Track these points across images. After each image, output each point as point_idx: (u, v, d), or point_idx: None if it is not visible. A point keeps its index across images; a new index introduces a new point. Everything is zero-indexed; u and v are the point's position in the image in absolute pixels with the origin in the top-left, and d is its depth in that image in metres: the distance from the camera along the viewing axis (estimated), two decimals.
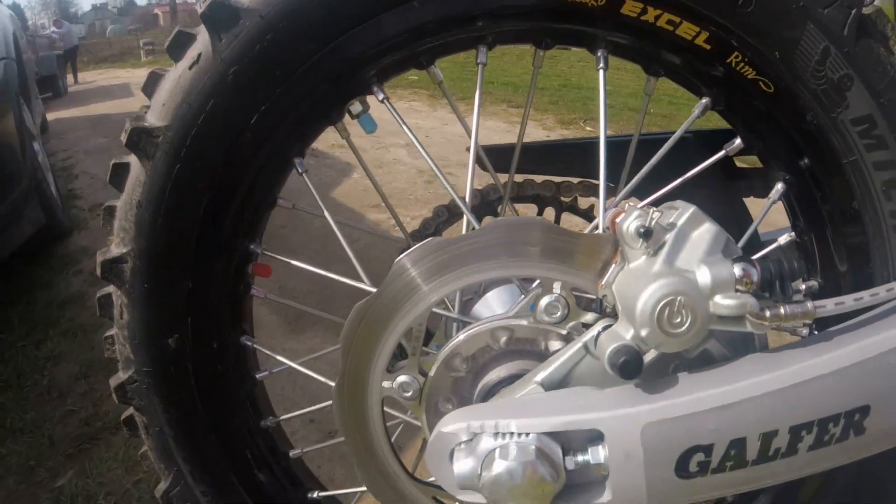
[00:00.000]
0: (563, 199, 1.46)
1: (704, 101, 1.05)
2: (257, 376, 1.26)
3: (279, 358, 1.23)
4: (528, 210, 1.45)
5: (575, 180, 1.43)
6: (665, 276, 0.85)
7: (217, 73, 0.96)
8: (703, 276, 0.85)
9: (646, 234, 0.86)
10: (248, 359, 1.24)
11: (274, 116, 1.00)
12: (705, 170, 1.09)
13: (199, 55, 0.96)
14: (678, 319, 0.84)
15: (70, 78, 21.33)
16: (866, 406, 0.86)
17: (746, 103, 1.04)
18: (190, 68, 0.97)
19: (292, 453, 1.31)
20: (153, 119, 0.99)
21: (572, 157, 1.37)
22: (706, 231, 0.88)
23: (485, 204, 1.42)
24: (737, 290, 0.84)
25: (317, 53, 0.97)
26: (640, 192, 1.13)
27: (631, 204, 0.95)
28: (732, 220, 1.32)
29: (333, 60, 0.98)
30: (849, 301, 0.86)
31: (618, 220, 0.88)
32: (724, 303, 0.84)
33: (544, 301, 0.95)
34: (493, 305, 1.25)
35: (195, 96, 0.97)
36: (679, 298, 0.84)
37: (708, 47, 0.99)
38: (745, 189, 1.35)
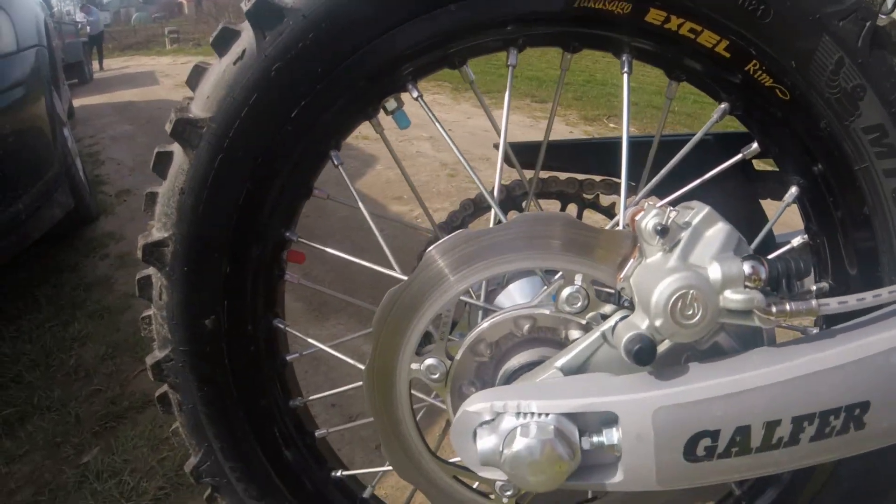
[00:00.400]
0: (585, 196, 1.51)
1: (723, 106, 1.09)
2: (287, 358, 1.31)
3: (310, 340, 1.28)
4: (551, 206, 1.49)
5: (597, 178, 1.47)
6: (679, 271, 0.90)
7: (261, 68, 1.01)
8: (715, 271, 0.90)
9: (662, 231, 0.91)
10: (279, 341, 1.29)
11: (313, 111, 1.06)
12: (724, 171, 1.12)
13: (244, 51, 1.01)
14: (690, 311, 0.89)
15: (95, 65, 21.42)
16: (866, 402, 0.90)
17: (763, 109, 1.07)
18: (234, 63, 1.02)
19: (318, 433, 1.37)
20: (197, 110, 1.05)
21: (595, 155, 1.41)
22: (719, 230, 0.92)
23: (510, 199, 1.47)
24: (745, 287, 0.88)
25: (357, 52, 1.02)
26: (660, 192, 1.16)
27: (650, 203, 1.00)
28: (748, 221, 1.35)
29: (372, 59, 1.03)
30: (852, 301, 0.89)
31: (637, 217, 0.93)
32: (733, 297, 0.88)
33: (566, 292, 1.00)
34: (516, 295, 1.29)
35: (239, 90, 1.02)
36: (691, 292, 0.88)
37: (727, 55, 1.03)
38: (762, 191, 1.39)
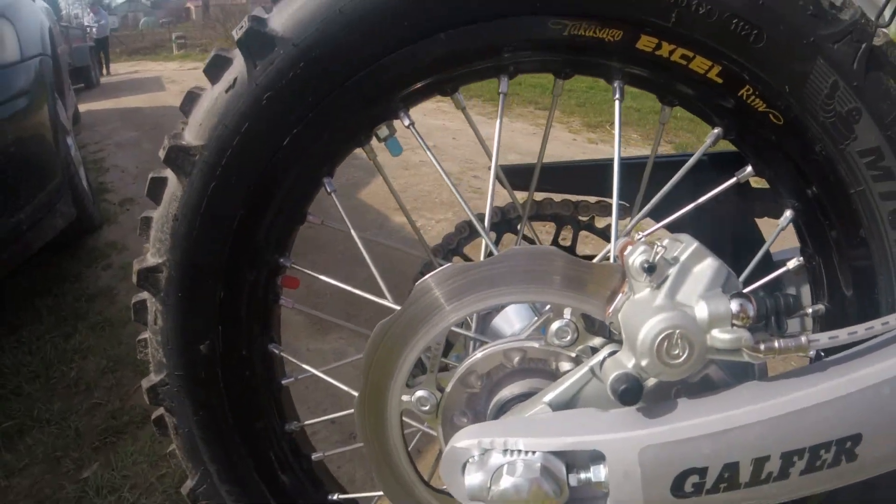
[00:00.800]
0: (581, 218, 1.50)
1: (716, 130, 1.08)
2: (283, 382, 1.31)
3: (304, 366, 1.28)
4: (547, 228, 1.49)
5: (592, 200, 1.47)
6: (666, 310, 0.89)
7: (252, 97, 1.01)
8: (702, 310, 0.89)
9: (649, 269, 0.91)
10: (275, 365, 1.29)
11: (305, 139, 1.06)
12: (721, 191, 1.12)
13: (235, 79, 1.01)
14: (676, 351, 0.89)
15: (103, 68, 21.53)
16: (858, 434, 0.89)
17: (757, 134, 1.07)
18: (226, 91, 1.02)
19: (314, 456, 1.36)
20: (190, 138, 1.05)
21: (589, 177, 1.40)
22: (707, 266, 0.92)
23: (505, 221, 1.47)
24: (733, 325, 0.88)
25: (346, 81, 1.02)
26: (656, 213, 1.16)
27: (640, 234, 0.99)
28: (744, 240, 1.36)
29: (362, 88, 1.03)
30: (843, 334, 0.89)
31: (625, 252, 0.93)
32: (720, 337, 0.88)
33: (555, 325, 1.00)
34: (513, 320, 1.29)
35: (231, 118, 1.02)
36: (678, 332, 0.88)
37: (720, 81, 1.02)
38: (760, 210, 1.38)
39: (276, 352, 1.27)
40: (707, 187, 1.12)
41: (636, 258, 0.92)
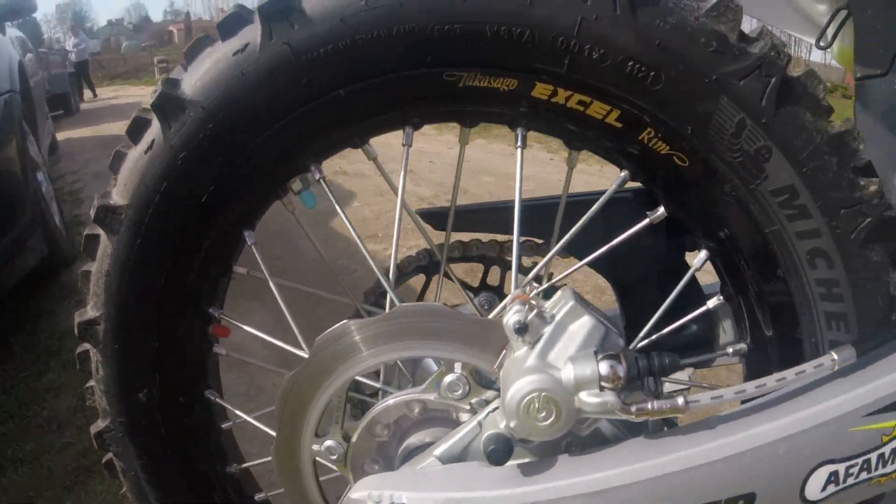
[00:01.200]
0: (507, 258, 1.52)
1: (623, 174, 1.08)
2: (223, 426, 1.35)
3: (237, 412, 1.33)
4: (473, 269, 1.51)
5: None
6: (534, 371, 0.91)
7: (168, 158, 1.05)
8: (568, 373, 0.90)
9: (520, 330, 0.93)
10: (214, 410, 1.33)
11: (222, 196, 1.09)
12: (635, 232, 1.10)
13: (153, 141, 1.05)
14: (544, 413, 0.90)
15: (87, 93, 21.48)
16: (752, 493, 0.90)
17: (663, 176, 1.06)
18: (146, 152, 1.06)
19: (257, 496, 1.40)
20: (117, 197, 1.09)
21: (505, 217, 1.39)
22: (582, 325, 0.93)
23: (432, 264, 1.49)
24: (602, 387, 0.88)
25: (254, 140, 1.05)
26: (580, 251, 1.17)
27: (534, 285, 1.02)
28: (671, 274, 1.29)
29: (270, 146, 1.06)
30: (728, 394, 0.89)
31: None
32: (587, 400, 0.89)
33: (447, 380, 1.03)
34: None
35: (150, 178, 1.06)
36: (543, 394, 0.89)
37: (619, 125, 1.01)
38: (690, 243, 1.32)
39: (213, 398, 1.30)
40: (627, 223, 1.11)
41: (510, 318, 0.93)
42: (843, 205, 0.99)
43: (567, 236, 1.11)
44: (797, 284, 1.05)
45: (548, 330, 0.93)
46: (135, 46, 66.65)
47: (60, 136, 10.62)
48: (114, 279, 1.12)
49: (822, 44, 1.46)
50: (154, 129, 1.06)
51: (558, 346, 0.93)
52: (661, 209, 1.09)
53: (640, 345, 1.15)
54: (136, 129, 1.08)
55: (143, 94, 20.30)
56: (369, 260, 1.16)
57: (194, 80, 1.03)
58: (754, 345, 1.16)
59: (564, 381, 0.90)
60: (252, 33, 1.00)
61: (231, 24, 1.02)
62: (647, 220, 1.09)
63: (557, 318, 0.94)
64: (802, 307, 1.06)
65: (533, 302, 0.95)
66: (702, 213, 1.08)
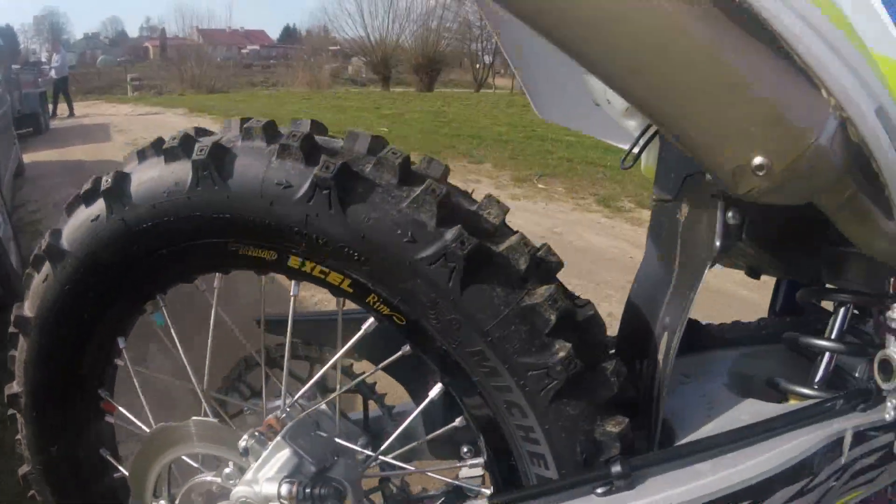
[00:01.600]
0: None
1: (370, 319, 1.31)
2: (115, 475, 1.77)
3: (120, 467, 1.75)
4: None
5: None
6: (247, 483, 1.25)
7: (56, 287, 1.45)
8: (265, 488, 1.22)
9: (244, 452, 1.28)
10: (107, 462, 1.75)
11: (95, 315, 1.49)
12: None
13: (48, 275, 1.46)
14: None
15: (63, 108, 21.60)
16: None
17: (393, 327, 1.26)
18: (43, 281, 1.47)
19: None
20: (27, 310, 1.51)
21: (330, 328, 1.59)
22: (282, 455, 1.26)
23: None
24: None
25: (108, 280, 1.42)
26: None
27: (277, 414, 1.36)
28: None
29: (122, 282, 1.43)
30: None
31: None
32: None
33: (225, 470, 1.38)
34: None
35: (47, 300, 1.47)
36: (249, 500, 1.23)
37: (351, 290, 1.25)
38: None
39: (105, 455, 1.74)
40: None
41: (241, 441, 1.29)
42: (531, 368, 1.15)
43: (320, 373, 1.49)
44: (504, 424, 1.26)
45: (264, 454, 1.27)
46: (110, 61, 66.25)
47: (28, 157, 10.76)
48: (28, 366, 1.56)
49: (625, 164, 1.61)
50: (47, 266, 1.46)
51: (266, 467, 1.26)
52: (407, 346, 1.31)
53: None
54: (38, 262, 1.48)
55: (112, 113, 21.15)
56: (190, 372, 1.51)
57: (70, 233, 1.40)
58: (496, 458, 1.37)
59: (264, 494, 1.23)
60: (101, 207, 1.32)
61: (90, 196, 1.35)
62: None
63: (270, 446, 1.26)
64: (511, 443, 1.28)
65: (274, 429, 1.30)
66: (433, 357, 1.27)
